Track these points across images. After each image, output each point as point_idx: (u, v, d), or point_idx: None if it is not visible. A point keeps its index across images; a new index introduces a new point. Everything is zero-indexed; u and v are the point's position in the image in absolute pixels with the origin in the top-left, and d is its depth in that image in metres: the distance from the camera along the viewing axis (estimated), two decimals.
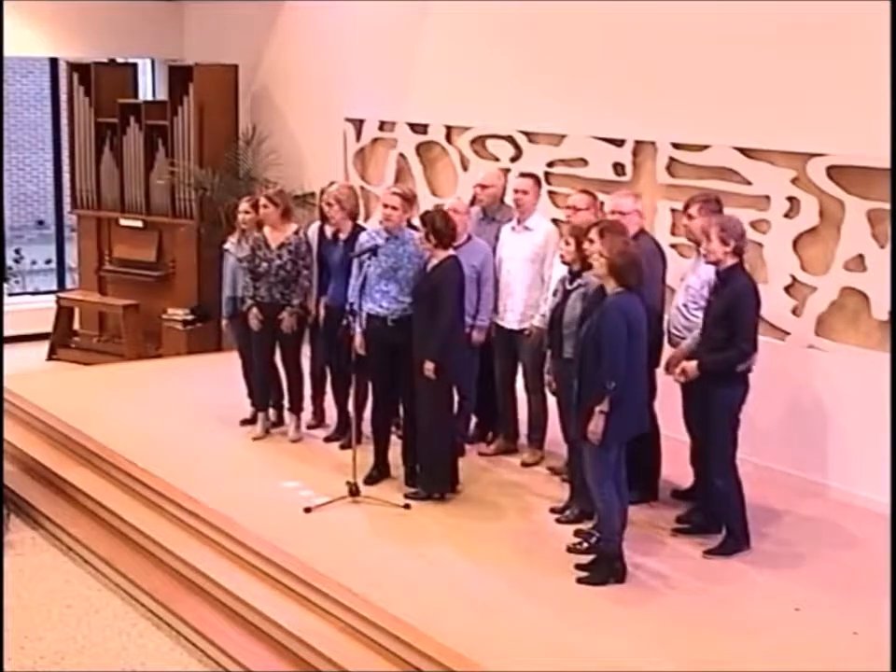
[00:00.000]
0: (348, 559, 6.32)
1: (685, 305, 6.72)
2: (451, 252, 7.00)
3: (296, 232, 8.04)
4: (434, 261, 6.99)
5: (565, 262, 6.73)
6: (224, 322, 8.44)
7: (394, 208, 7.25)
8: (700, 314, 6.50)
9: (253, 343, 8.19)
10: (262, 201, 8.00)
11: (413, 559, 6.36)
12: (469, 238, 7.59)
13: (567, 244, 6.65)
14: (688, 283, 6.77)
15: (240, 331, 8.22)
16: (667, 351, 6.79)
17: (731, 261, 6.21)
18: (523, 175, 7.86)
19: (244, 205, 8.24)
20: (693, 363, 6.28)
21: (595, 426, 5.86)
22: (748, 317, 6.21)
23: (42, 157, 18.66)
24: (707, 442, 6.39)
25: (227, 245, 8.42)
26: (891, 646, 5.04)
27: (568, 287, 6.67)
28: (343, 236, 7.94)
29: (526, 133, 9.16)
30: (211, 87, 11.37)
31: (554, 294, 6.95)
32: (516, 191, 7.64)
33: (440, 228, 6.91)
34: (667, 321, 6.86)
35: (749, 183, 7.74)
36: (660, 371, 6.78)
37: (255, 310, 8.01)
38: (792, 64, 7.33)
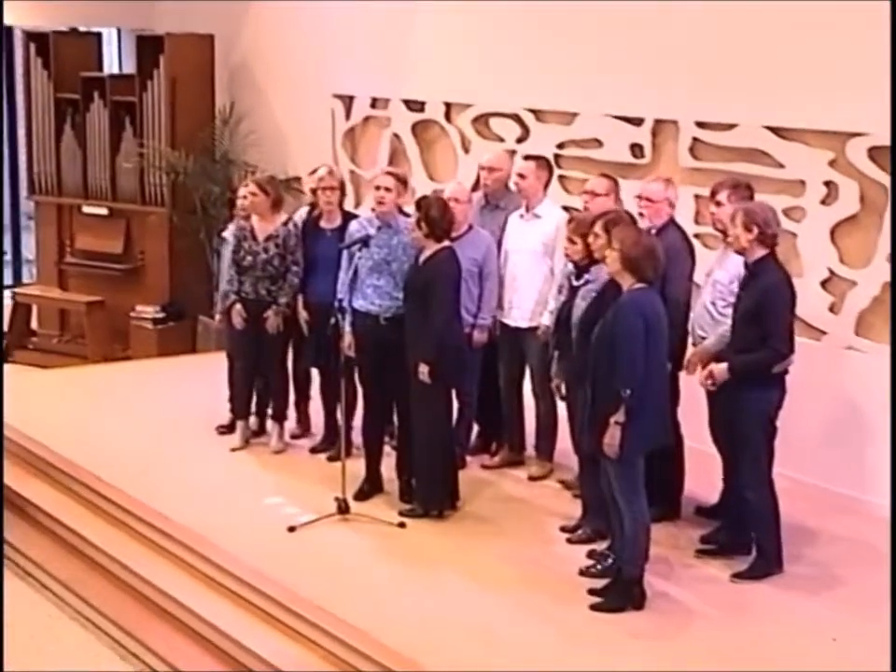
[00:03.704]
0: (336, 583, 6.31)
1: (713, 303, 6.70)
2: (446, 243, 7.00)
3: (285, 223, 8.03)
4: (427, 253, 6.99)
5: (571, 261, 6.74)
6: (218, 318, 8.45)
7: (387, 189, 7.25)
8: (729, 311, 6.50)
9: (235, 344, 8.21)
10: (251, 188, 7.99)
11: (408, 583, 6.36)
12: (470, 228, 7.60)
13: (573, 242, 6.65)
14: (715, 278, 6.76)
15: (231, 330, 8.21)
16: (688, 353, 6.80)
17: (760, 252, 6.20)
18: (526, 157, 7.87)
19: (244, 190, 8.23)
20: (723, 366, 6.27)
21: (611, 437, 5.85)
22: (781, 314, 6.19)
23: None
24: (738, 454, 6.39)
25: (225, 234, 8.44)
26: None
27: (575, 283, 6.68)
28: (333, 224, 7.94)
29: (534, 111, 9.16)
30: (184, 59, 11.37)
31: (560, 291, 6.97)
32: (516, 175, 7.65)
33: (434, 217, 6.90)
34: (692, 320, 6.86)
35: (781, 166, 7.75)
36: (682, 375, 6.80)
37: (238, 306, 8.02)
38: (829, 34, 7.33)
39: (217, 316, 8.49)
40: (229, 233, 8.35)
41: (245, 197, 8.09)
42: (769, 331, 6.15)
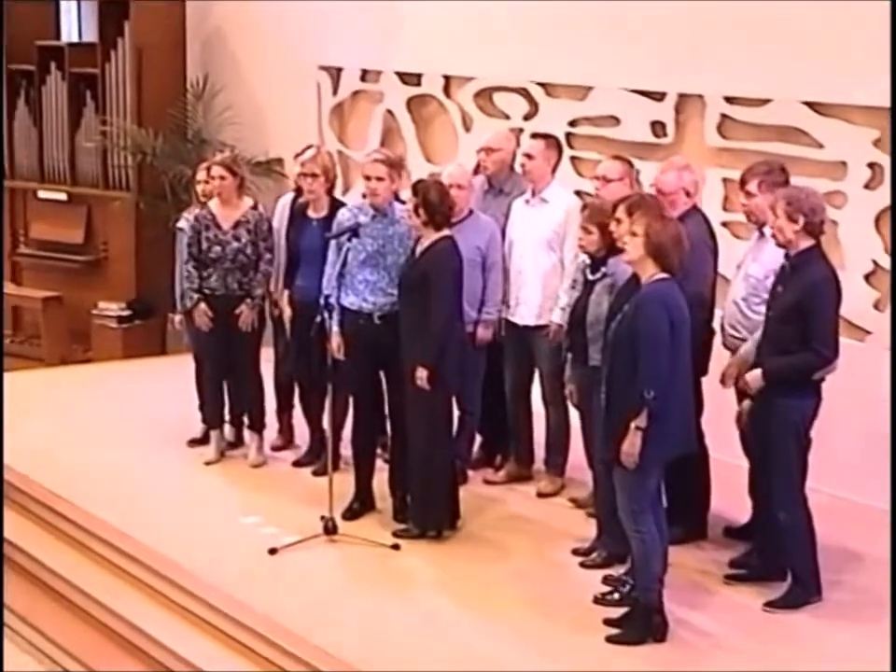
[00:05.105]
0: (322, 612, 6.32)
1: (744, 299, 6.71)
2: (445, 232, 7.01)
3: (254, 207, 8.05)
4: (424, 243, 7.00)
5: (586, 252, 6.75)
6: (178, 318, 8.44)
7: (379, 179, 7.23)
8: (763, 309, 6.48)
9: (204, 345, 8.21)
10: (218, 170, 7.99)
11: (402, 612, 6.36)
12: (471, 213, 7.61)
13: (589, 232, 6.65)
14: (748, 271, 6.76)
15: (197, 330, 8.22)
16: (719, 356, 6.79)
17: (804, 244, 6.18)
18: (534, 136, 7.87)
19: (203, 174, 8.23)
20: (757, 372, 6.25)
21: (631, 445, 5.86)
22: (826, 313, 6.16)
23: None
24: (769, 467, 6.39)
25: (181, 224, 8.43)
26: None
27: (591, 276, 6.68)
28: (319, 214, 7.92)
29: (543, 85, 9.17)
30: (152, 27, 11.39)
31: (573, 286, 6.96)
32: (522, 156, 7.66)
33: (433, 201, 6.92)
34: (721, 318, 6.87)
35: (820, 146, 7.76)
36: (706, 379, 6.79)
37: (203, 305, 8.02)
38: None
39: (178, 317, 8.48)
40: (185, 223, 8.32)
41: (206, 182, 8.11)
42: (812, 332, 6.11)
